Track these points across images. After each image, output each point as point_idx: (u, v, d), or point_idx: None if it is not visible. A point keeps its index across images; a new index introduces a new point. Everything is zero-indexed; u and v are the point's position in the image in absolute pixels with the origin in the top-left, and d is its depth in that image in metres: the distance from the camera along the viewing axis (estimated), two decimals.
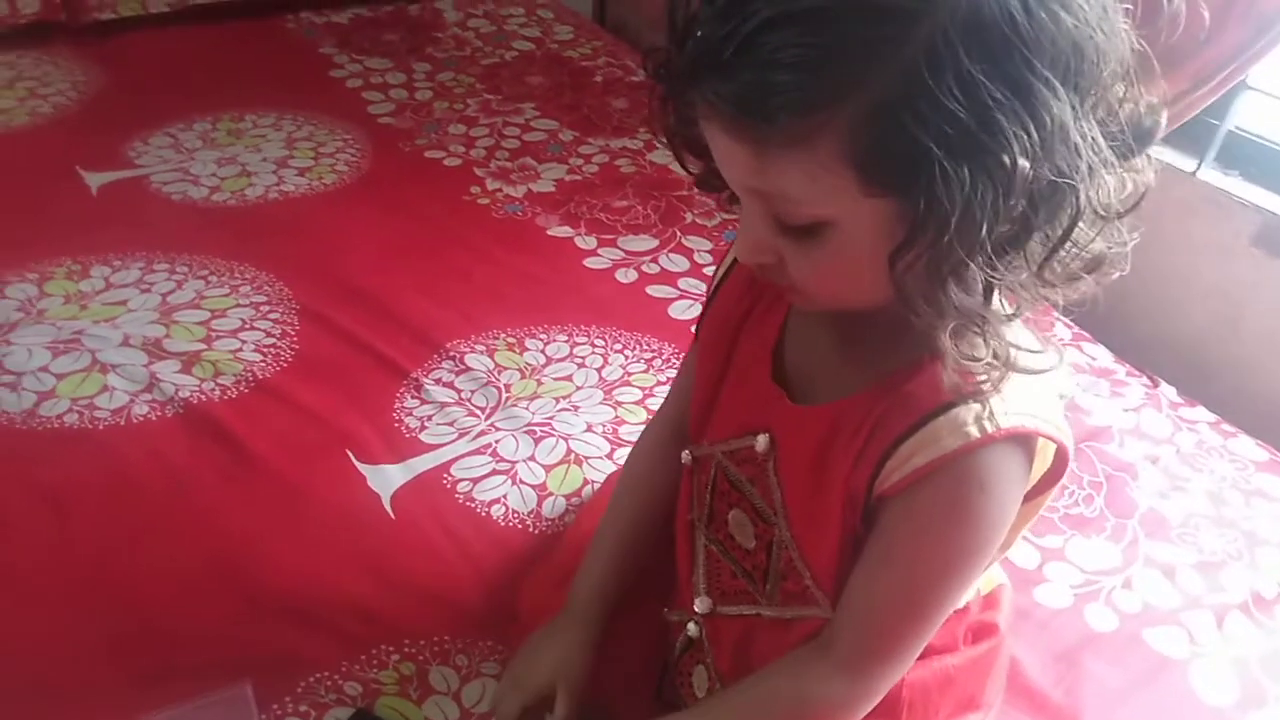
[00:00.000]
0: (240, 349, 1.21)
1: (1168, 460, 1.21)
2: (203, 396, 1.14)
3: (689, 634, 0.79)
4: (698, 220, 1.56)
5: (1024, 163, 0.47)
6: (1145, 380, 1.34)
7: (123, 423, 1.10)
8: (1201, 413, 1.30)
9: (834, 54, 0.47)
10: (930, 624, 0.65)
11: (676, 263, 1.46)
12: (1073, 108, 0.49)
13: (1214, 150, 1.44)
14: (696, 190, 1.57)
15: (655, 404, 1.21)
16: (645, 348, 1.30)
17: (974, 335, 0.54)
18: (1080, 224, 0.51)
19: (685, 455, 0.77)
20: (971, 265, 0.50)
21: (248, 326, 1.25)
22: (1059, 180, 0.49)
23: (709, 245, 1.50)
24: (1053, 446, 0.62)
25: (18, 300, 1.26)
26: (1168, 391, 1.33)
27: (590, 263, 1.45)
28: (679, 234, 1.52)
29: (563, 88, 1.90)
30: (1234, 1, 1.22)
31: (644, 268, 1.45)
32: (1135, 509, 1.14)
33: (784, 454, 0.68)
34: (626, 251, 1.48)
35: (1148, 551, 1.09)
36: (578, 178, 1.64)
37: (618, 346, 1.29)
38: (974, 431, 0.57)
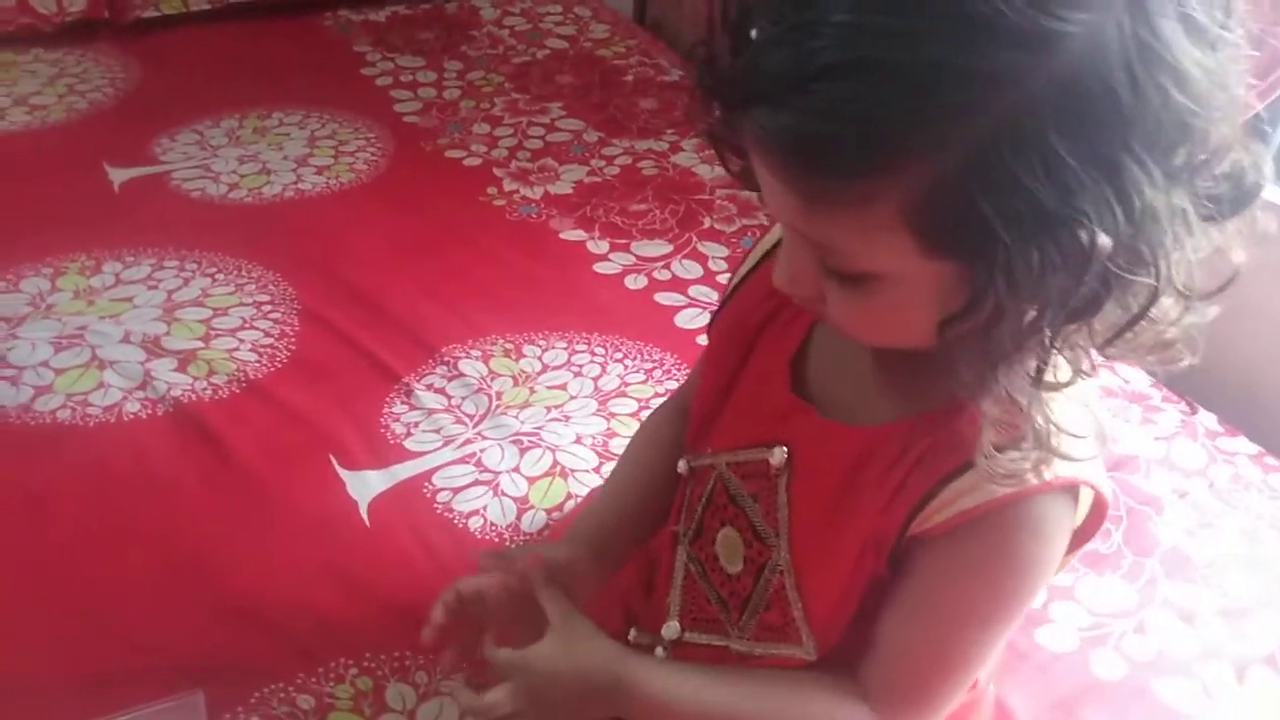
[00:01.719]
0: (237, 348, 1.21)
1: (1198, 494, 1.12)
2: (194, 395, 1.14)
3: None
4: (716, 225, 1.51)
5: (1103, 245, 0.43)
6: (1183, 406, 1.25)
7: (113, 420, 1.10)
8: (1242, 444, 1.20)
9: (906, 114, 0.42)
10: (971, 673, 0.62)
11: (689, 269, 1.42)
12: (1166, 184, 0.43)
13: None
14: (714, 195, 1.55)
15: None
16: (646, 358, 1.26)
17: (1016, 410, 0.50)
18: (1160, 302, 0.46)
19: (682, 465, 0.73)
20: (1026, 345, 0.47)
21: (247, 325, 1.25)
22: (1139, 260, 0.44)
23: (725, 252, 1.45)
24: (1091, 494, 0.58)
25: (29, 295, 1.28)
26: (1206, 419, 1.23)
27: (600, 267, 1.42)
28: (695, 239, 1.48)
29: (591, 87, 1.87)
30: None
31: (655, 274, 1.41)
32: (1157, 546, 1.06)
33: (800, 472, 0.63)
34: (639, 257, 1.44)
35: (1166, 593, 1.01)
36: (597, 179, 1.61)
37: (618, 355, 1.26)
38: (1031, 478, 0.53)
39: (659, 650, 0.73)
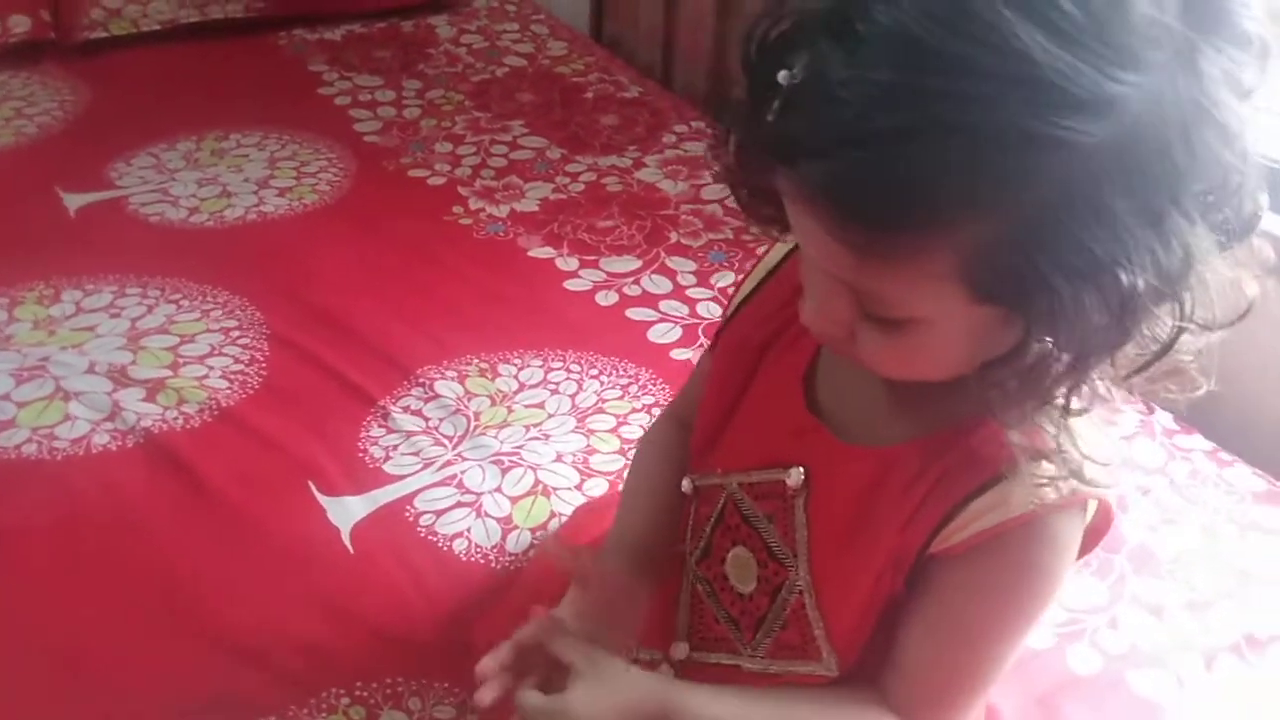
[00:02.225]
0: (206, 375, 1.20)
1: (1160, 492, 1.16)
2: (164, 425, 1.12)
3: None
4: (683, 240, 1.52)
5: (1144, 287, 0.45)
6: (1141, 406, 1.30)
7: (81, 453, 1.08)
8: (1198, 440, 1.25)
9: (972, 174, 0.43)
10: (993, 681, 0.64)
11: (659, 284, 1.43)
12: (1200, 226, 0.46)
13: None
14: (679, 210, 1.57)
15: (629, 432, 1.18)
16: (622, 373, 1.27)
17: (1036, 430, 0.53)
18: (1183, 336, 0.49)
19: (686, 484, 0.73)
20: (1062, 383, 0.49)
21: (215, 352, 1.23)
22: (1169, 297, 0.47)
23: (693, 266, 1.47)
24: (1097, 502, 0.60)
25: None
26: (1163, 418, 1.28)
27: (570, 284, 1.42)
28: (663, 254, 1.49)
29: (552, 104, 1.87)
30: None
31: (625, 289, 1.42)
32: (1124, 544, 1.09)
33: (818, 492, 0.64)
34: (608, 273, 1.45)
35: (1135, 589, 1.05)
36: (563, 196, 1.62)
37: (594, 372, 1.26)
38: (1050, 494, 0.55)
39: (664, 669, 0.74)
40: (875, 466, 0.61)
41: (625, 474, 0.81)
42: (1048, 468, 0.54)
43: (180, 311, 1.30)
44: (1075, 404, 0.51)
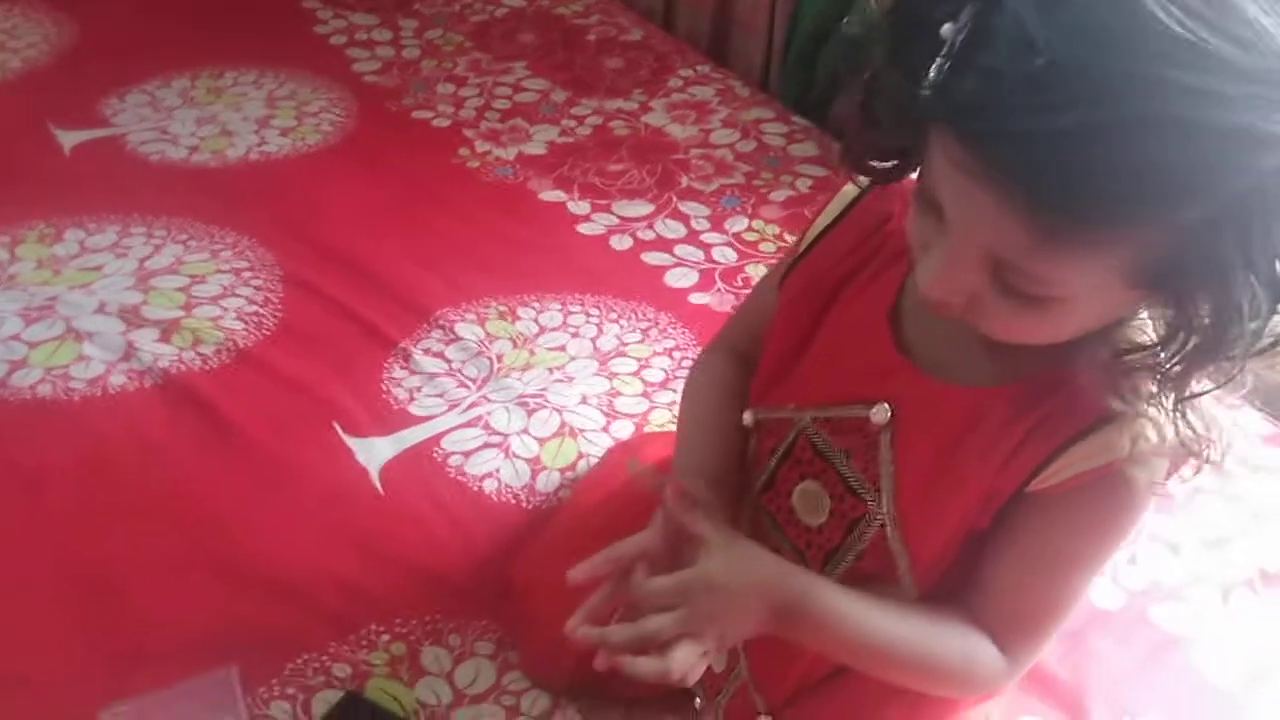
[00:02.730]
0: (221, 316, 1.17)
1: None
2: (182, 366, 1.10)
3: None
4: (694, 185, 1.51)
5: None
6: None
7: (99, 394, 1.06)
8: (1205, 384, 1.27)
9: (1188, 171, 0.42)
10: (1077, 607, 0.65)
11: (673, 229, 1.42)
12: None
13: None
14: (689, 154, 1.55)
15: (651, 375, 1.17)
16: (641, 317, 1.26)
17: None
18: None
19: (747, 417, 0.72)
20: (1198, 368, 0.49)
21: (229, 293, 1.21)
22: None
23: (706, 211, 1.46)
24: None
25: None
26: None
27: (584, 229, 1.40)
28: (675, 199, 1.48)
29: (554, 46, 1.83)
30: None
31: (639, 234, 1.40)
32: None
33: (905, 429, 0.63)
34: (621, 217, 1.43)
35: (1153, 528, 1.07)
36: (570, 140, 1.59)
37: (613, 316, 1.26)
38: (1152, 437, 0.55)
39: None
40: (969, 406, 0.61)
41: (679, 406, 0.80)
42: (1151, 413, 0.54)
43: (189, 252, 1.27)
44: (1196, 386, 0.51)
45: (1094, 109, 0.41)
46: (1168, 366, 0.50)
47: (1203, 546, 1.06)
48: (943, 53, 0.44)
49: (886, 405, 0.63)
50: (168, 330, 1.14)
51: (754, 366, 0.73)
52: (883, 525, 0.65)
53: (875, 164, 0.57)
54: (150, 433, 1.02)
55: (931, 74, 0.44)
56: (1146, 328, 0.54)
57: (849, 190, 0.69)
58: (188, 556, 0.92)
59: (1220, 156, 0.42)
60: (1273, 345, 0.49)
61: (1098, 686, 0.91)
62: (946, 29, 0.44)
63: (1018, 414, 0.59)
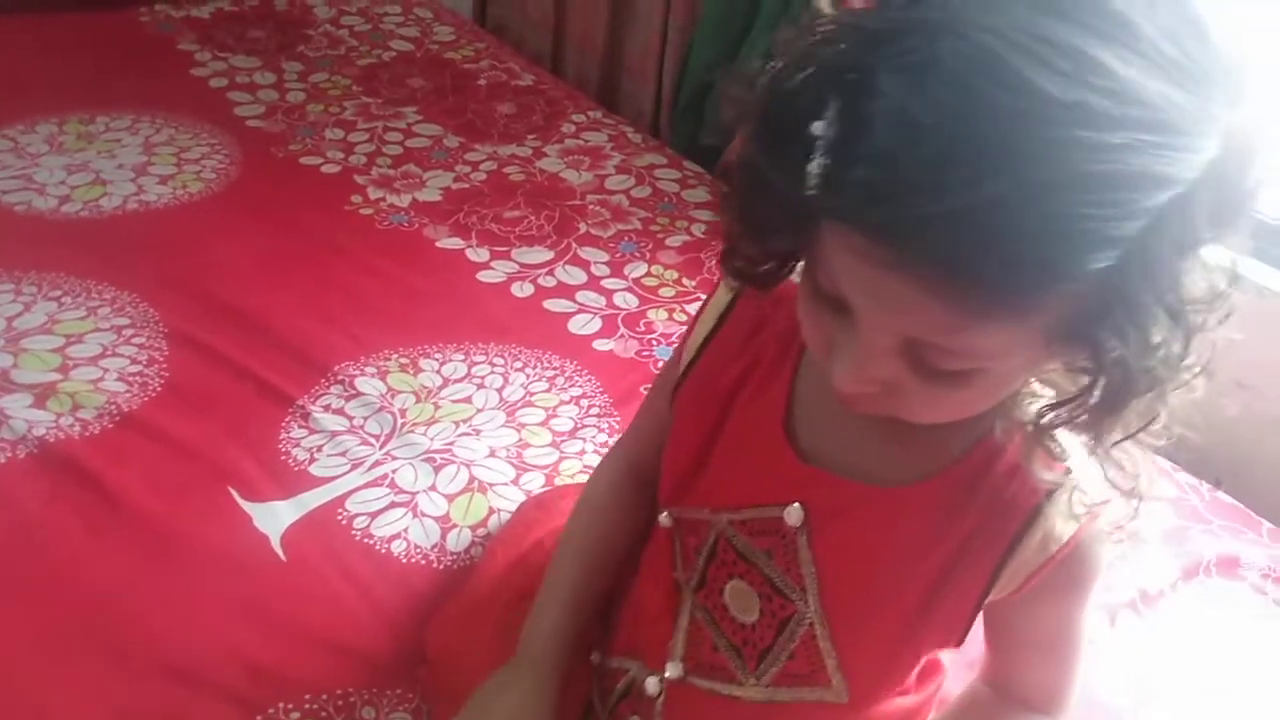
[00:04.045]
0: (102, 378, 1.11)
1: None
2: (60, 434, 1.03)
3: (647, 690, 0.73)
4: (592, 231, 1.52)
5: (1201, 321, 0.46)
6: None
7: None
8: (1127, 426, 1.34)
9: (1100, 222, 0.42)
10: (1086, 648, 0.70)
11: (573, 275, 1.42)
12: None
13: None
14: (585, 200, 1.56)
15: (559, 424, 1.17)
16: (547, 365, 1.25)
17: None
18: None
19: (664, 518, 0.71)
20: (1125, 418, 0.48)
21: (109, 353, 1.14)
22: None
23: (605, 257, 1.47)
24: None
25: None
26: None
27: (484, 276, 1.39)
28: (574, 245, 1.48)
29: (445, 91, 1.83)
30: None
31: (540, 281, 1.40)
32: None
33: (820, 529, 0.63)
34: (521, 264, 1.43)
35: None
36: (465, 186, 1.58)
37: (518, 364, 1.25)
38: (1087, 495, 0.57)
39: (651, 682, 0.72)
40: (886, 506, 0.61)
41: (568, 520, 0.81)
42: (1083, 486, 0.56)
43: (62, 310, 1.19)
44: (1117, 435, 0.49)
45: (995, 181, 0.41)
46: (1089, 413, 0.49)
47: None
48: (820, 150, 0.44)
49: (799, 506, 0.63)
50: (42, 395, 1.07)
51: (657, 475, 0.72)
52: (812, 624, 0.65)
53: (758, 270, 0.55)
54: (28, 507, 0.95)
55: (814, 172, 0.44)
56: (1053, 381, 0.55)
57: (722, 296, 0.68)
58: (76, 641, 0.85)
59: (1123, 203, 0.42)
60: (1184, 378, 0.49)
61: None
62: (817, 126, 0.44)
63: (946, 519, 0.60)
